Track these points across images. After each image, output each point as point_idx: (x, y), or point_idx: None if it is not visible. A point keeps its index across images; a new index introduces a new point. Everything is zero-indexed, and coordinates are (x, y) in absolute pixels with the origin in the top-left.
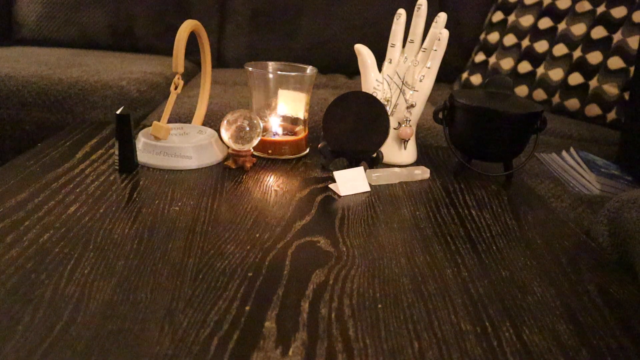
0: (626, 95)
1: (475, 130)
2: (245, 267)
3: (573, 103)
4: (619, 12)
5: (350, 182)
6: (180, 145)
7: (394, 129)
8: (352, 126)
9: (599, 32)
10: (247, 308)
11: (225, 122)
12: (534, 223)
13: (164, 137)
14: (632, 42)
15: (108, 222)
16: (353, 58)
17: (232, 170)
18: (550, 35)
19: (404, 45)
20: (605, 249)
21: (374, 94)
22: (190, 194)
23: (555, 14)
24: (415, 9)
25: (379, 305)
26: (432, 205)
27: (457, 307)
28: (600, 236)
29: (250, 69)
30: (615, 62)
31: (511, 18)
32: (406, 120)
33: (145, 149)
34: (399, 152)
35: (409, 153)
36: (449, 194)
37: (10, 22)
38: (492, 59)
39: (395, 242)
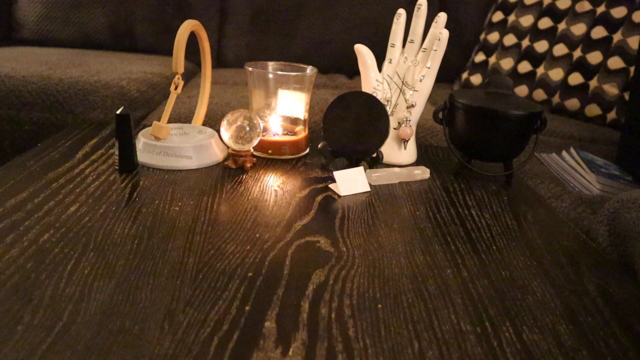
0: (626, 95)
1: (475, 130)
2: (245, 267)
3: (573, 103)
4: (619, 12)
5: (350, 182)
6: (180, 145)
7: (394, 129)
8: (352, 126)
9: (599, 32)
10: (247, 308)
11: (225, 122)
12: (534, 223)
13: (164, 137)
14: (632, 42)
15: (108, 222)
16: (353, 58)
17: (232, 170)
18: (550, 35)
19: (404, 45)
20: (605, 249)
21: (374, 94)
22: (190, 194)
23: (555, 14)
24: (415, 9)
25: (379, 305)
26: (432, 205)
27: (457, 307)
28: (600, 236)
29: (250, 69)
30: (615, 62)
31: (511, 18)
32: (406, 120)
33: (145, 149)
34: (399, 152)
35: (409, 153)
36: (449, 194)
37: (10, 22)
38: (492, 59)
39: (395, 242)
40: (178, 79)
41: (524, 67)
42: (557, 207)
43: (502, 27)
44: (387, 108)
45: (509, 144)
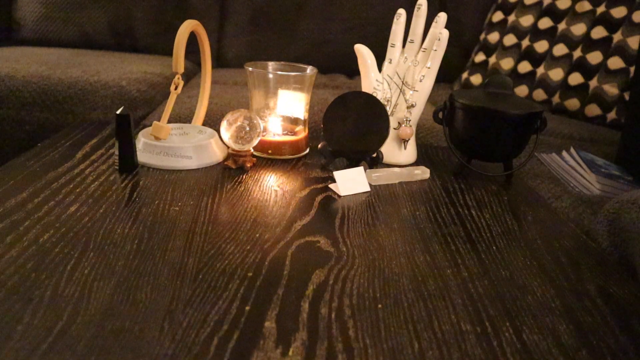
0: (626, 95)
1: (475, 130)
2: (245, 267)
3: (573, 103)
4: (619, 12)
5: (350, 182)
6: (180, 145)
7: (394, 129)
8: (352, 126)
9: (599, 32)
10: (247, 308)
11: (225, 122)
12: (534, 223)
13: (164, 137)
14: (632, 42)
15: (108, 222)
16: (353, 58)
17: (232, 170)
18: (550, 35)
19: (404, 45)
20: (605, 250)
21: (374, 94)
22: (190, 194)
23: (555, 14)
24: (415, 9)
25: (379, 305)
26: (432, 205)
27: (457, 307)
28: (600, 237)
29: (250, 69)
30: (615, 62)
31: (511, 18)
32: (406, 120)
33: (145, 149)
34: (399, 152)
35: (409, 153)
36: (449, 194)
37: (10, 22)
38: (492, 59)
39: (395, 242)
40: (178, 79)
41: (524, 67)
42: (557, 207)
43: (502, 27)
44: (387, 108)
45: (509, 144)
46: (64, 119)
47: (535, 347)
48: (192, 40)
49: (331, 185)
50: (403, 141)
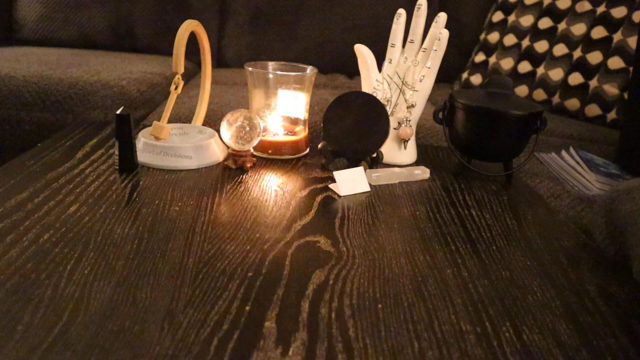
0: (626, 95)
1: (475, 130)
2: (245, 267)
3: (573, 103)
4: (619, 12)
5: (350, 182)
6: (180, 145)
7: (394, 129)
8: (352, 126)
9: (599, 32)
10: (247, 308)
11: (225, 122)
12: (534, 223)
13: (164, 137)
14: (632, 42)
15: (108, 222)
16: (353, 58)
17: (232, 170)
18: (550, 35)
19: (404, 45)
20: (602, 242)
21: (374, 94)
22: (190, 194)
23: (555, 14)
24: (415, 9)
25: (379, 305)
26: (432, 205)
27: (457, 307)
28: (597, 228)
29: (250, 69)
30: (615, 62)
31: (511, 18)
32: (406, 120)
33: (145, 149)
34: (399, 152)
35: (409, 153)
36: (449, 194)
37: (10, 22)
38: (492, 59)
39: (395, 242)
40: (178, 79)
41: (524, 67)
42: (557, 207)
43: (502, 27)
44: (387, 108)
45: (509, 144)
46: (64, 119)
47: (535, 347)
48: (192, 40)
49: (331, 185)
50: (403, 141)
